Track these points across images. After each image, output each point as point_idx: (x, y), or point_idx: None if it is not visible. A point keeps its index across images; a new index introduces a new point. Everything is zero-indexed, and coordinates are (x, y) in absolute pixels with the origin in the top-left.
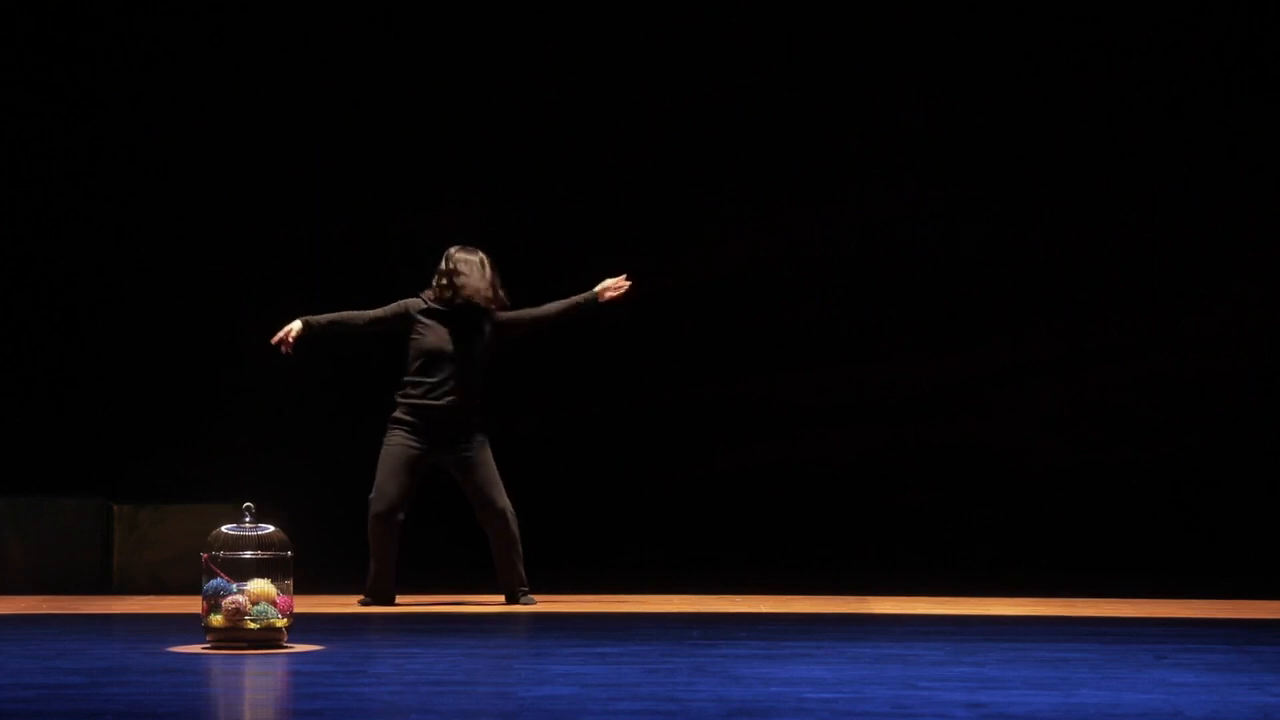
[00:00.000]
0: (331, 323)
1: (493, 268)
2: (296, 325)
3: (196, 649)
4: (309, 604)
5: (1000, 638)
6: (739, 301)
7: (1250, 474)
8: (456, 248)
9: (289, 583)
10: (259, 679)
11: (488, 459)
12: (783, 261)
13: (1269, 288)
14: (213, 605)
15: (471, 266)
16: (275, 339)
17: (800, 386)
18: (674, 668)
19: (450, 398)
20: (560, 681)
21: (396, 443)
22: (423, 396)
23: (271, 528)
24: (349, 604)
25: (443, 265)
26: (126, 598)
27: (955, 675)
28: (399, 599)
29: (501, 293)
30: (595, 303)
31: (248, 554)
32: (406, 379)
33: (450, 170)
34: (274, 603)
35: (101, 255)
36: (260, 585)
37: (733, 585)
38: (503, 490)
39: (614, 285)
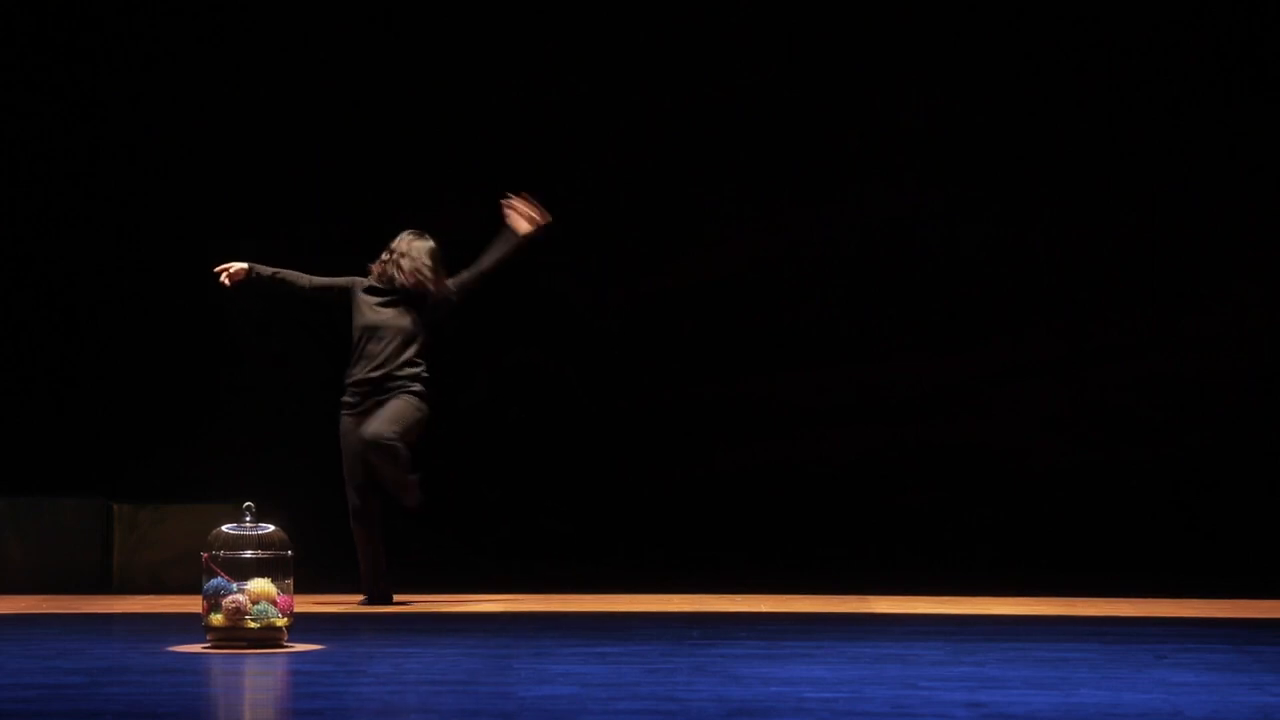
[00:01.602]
0: (277, 275)
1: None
2: (243, 265)
3: (196, 649)
4: (309, 604)
5: (1000, 638)
6: (739, 301)
7: (1250, 474)
8: (409, 233)
9: (289, 582)
10: (259, 679)
11: (398, 401)
12: (783, 261)
13: (1269, 288)
14: (213, 605)
15: (420, 252)
16: (218, 268)
17: (800, 386)
18: (674, 668)
19: (382, 370)
20: (560, 681)
21: (347, 429)
22: (361, 371)
23: (271, 527)
24: (349, 604)
25: (393, 244)
26: (126, 598)
27: (955, 675)
28: (398, 598)
29: (441, 275)
30: (520, 238)
31: (248, 554)
32: (351, 358)
33: (450, 170)
34: (274, 602)
35: (101, 255)
36: (260, 585)
37: (733, 585)
38: (386, 421)
39: (523, 213)
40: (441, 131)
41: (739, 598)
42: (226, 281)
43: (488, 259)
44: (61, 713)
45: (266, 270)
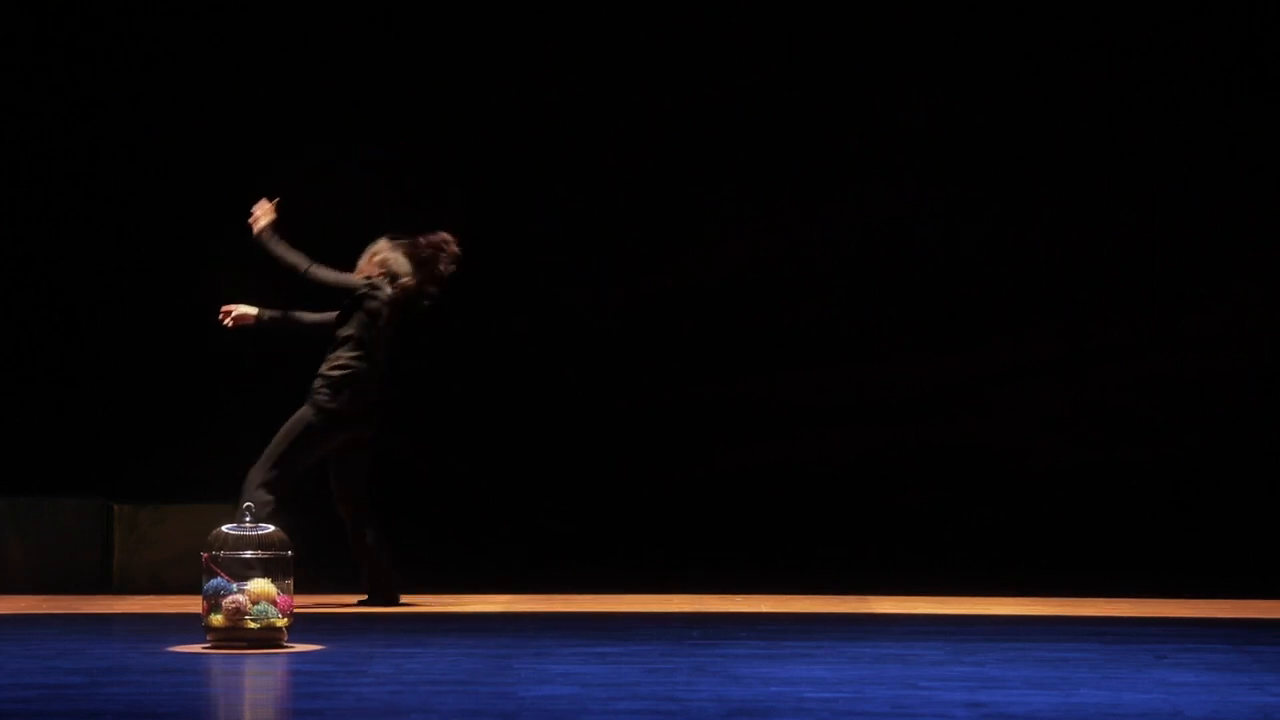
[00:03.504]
0: (285, 315)
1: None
2: (250, 310)
3: (196, 649)
4: (309, 604)
5: (1000, 638)
6: (739, 301)
7: (1250, 474)
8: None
9: (289, 583)
10: (259, 679)
11: (296, 415)
12: (783, 261)
13: (1269, 288)
14: (213, 605)
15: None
16: (223, 309)
17: (800, 386)
18: (674, 668)
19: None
20: (560, 681)
21: None
22: None
23: (271, 528)
24: (349, 604)
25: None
26: (126, 598)
27: (955, 675)
28: (402, 598)
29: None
30: (262, 240)
31: (248, 554)
32: None
33: (450, 170)
34: (274, 602)
35: (101, 255)
36: (260, 585)
37: (733, 585)
38: (261, 462)
39: (261, 212)
40: (440, 131)
41: (739, 598)
42: (230, 324)
43: (292, 261)
44: (61, 713)
45: (276, 313)
